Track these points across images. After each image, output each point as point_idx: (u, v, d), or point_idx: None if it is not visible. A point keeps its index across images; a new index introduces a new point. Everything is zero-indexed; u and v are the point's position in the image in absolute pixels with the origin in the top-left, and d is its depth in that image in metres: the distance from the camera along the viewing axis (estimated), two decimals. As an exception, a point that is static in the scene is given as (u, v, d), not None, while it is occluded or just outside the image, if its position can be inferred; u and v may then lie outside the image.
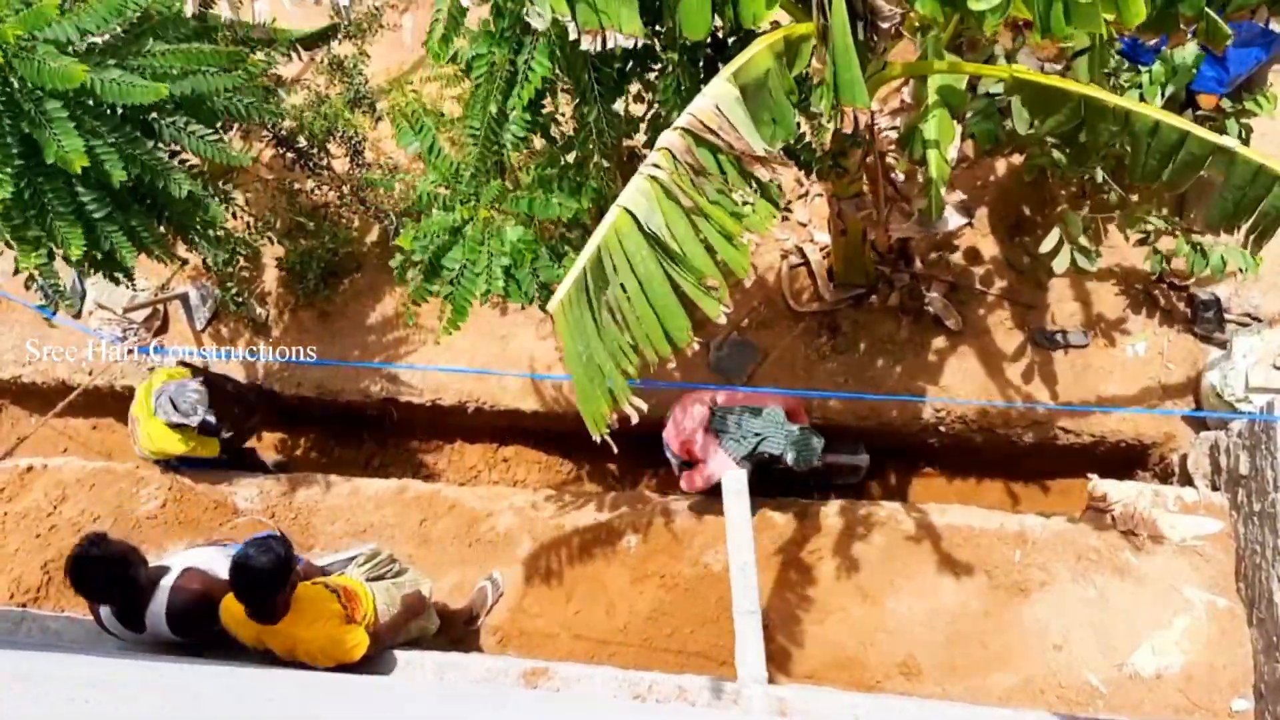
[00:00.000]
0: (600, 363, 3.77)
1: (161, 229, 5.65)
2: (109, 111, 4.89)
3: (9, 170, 4.71)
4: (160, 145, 5.20)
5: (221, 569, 5.08)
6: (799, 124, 4.93)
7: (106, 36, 5.00)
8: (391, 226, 7.39)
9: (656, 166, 3.68)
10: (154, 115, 5.13)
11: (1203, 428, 6.30)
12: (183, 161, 5.50)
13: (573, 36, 3.74)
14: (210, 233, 5.92)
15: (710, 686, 4.51)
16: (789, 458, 5.68)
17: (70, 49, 4.70)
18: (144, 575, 4.70)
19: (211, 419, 6.27)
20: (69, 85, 4.43)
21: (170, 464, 6.73)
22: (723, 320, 3.88)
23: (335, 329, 7.59)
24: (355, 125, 7.37)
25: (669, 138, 3.71)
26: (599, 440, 3.76)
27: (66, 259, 5.20)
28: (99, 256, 5.33)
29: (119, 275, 5.66)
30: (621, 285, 3.74)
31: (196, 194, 5.33)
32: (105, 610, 4.81)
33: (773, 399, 5.95)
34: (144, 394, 6.26)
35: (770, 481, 6.21)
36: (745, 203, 3.94)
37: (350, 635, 4.67)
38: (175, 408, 6.01)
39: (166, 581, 4.74)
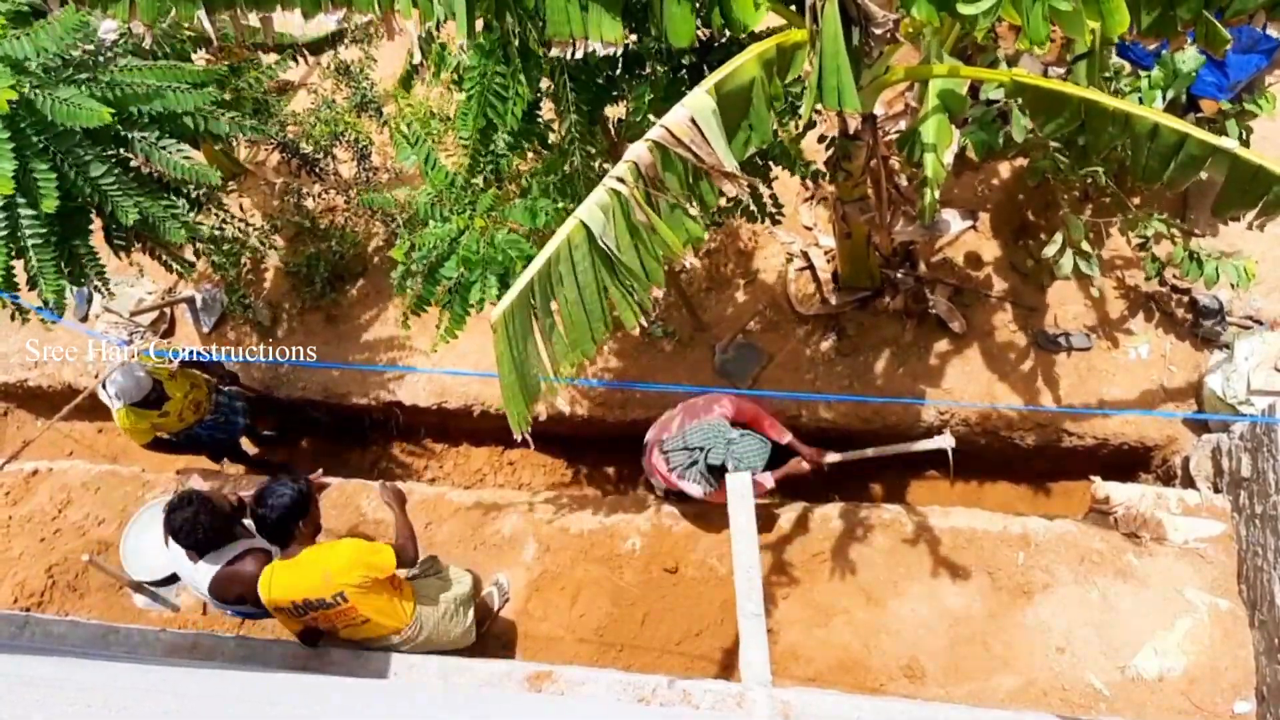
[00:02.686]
0: (533, 367, 3.98)
1: (120, 248, 5.66)
2: (66, 130, 4.89)
3: None
4: (111, 171, 5.16)
5: None
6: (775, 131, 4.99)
7: (81, 51, 5.00)
8: (398, 230, 7.41)
9: (620, 180, 3.71)
10: (125, 130, 5.13)
11: (1205, 430, 6.31)
12: (160, 178, 5.50)
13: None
14: (173, 253, 5.91)
15: (714, 689, 4.52)
16: (730, 464, 5.51)
17: (29, 66, 4.71)
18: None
19: (118, 405, 6.19)
20: None
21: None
22: (636, 331, 3.99)
23: (341, 332, 7.61)
24: (361, 130, 7.39)
25: (637, 150, 3.74)
26: (520, 438, 4.07)
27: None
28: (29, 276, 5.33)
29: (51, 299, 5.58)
30: (564, 292, 3.87)
31: (151, 216, 5.32)
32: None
33: (718, 405, 5.81)
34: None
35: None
36: (691, 218, 3.98)
37: (379, 549, 4.93)
38: (104, 386, 6.10)
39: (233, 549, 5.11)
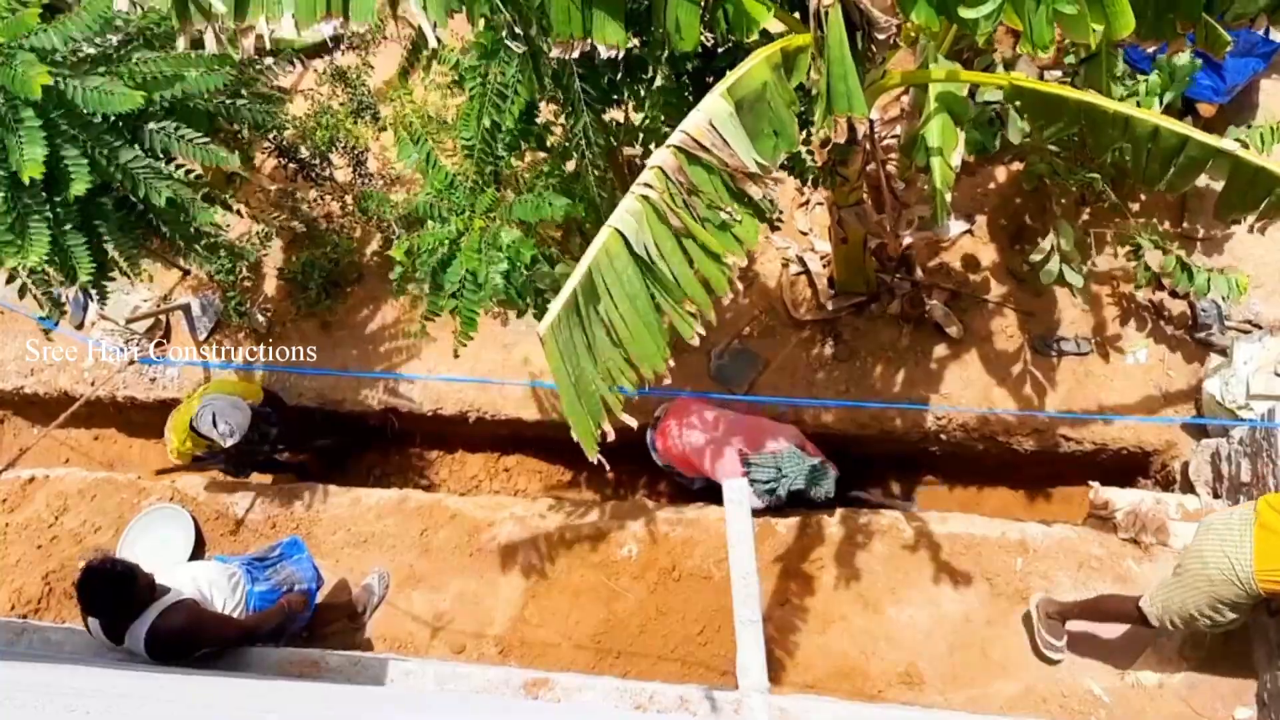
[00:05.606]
0: (590, 380, 3.79)
1: (137, 240, 5.65)
2: (93, 119, 4.91)
3: None
4: (145, 153, 5.20)
5: (219, 597, 5.14)
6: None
7: (97, 44, 5.01)
8: (394, 237, 7.40)
9: (648, 185, 3.68)
10: (144, 121, 5.15)
11: (1204, 435, 6.29)
12: (179, 167, 5.50)
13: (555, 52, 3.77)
14: (201, 241, 5.91)
15: (711, 696, 4.50)
16: (811, 492, 6.02)
17: (56, 57, 4.72)
18: (141, 596, 4.78)
19: (231, 442, 6.11)
20: (29, 94, 4.47)
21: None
22: (695, 342, 3.91)
23: (337, 338, 7.59)
24: (358, 135, 7.38)
25: (661, 156, 3.71)
26: (595, 460, 3.81)
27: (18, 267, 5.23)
28: (61, 265, 5.34)
29: (94, 288, 5.66)
30: (613, 303, 3.75)
31: (181, 199, 5.33)
32: (95, 621, 4.87)
33: (784, 434, 6.18)
34: (196, 398, 6.33)
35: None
36: (735, 220, 3.93)
37: None
38: (215, 423, 5.97)
39: (157, 606, 4.81)
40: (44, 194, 4.99)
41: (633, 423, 3.80)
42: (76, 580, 4.78)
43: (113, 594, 4.72)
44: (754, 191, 3.89)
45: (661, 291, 3.79)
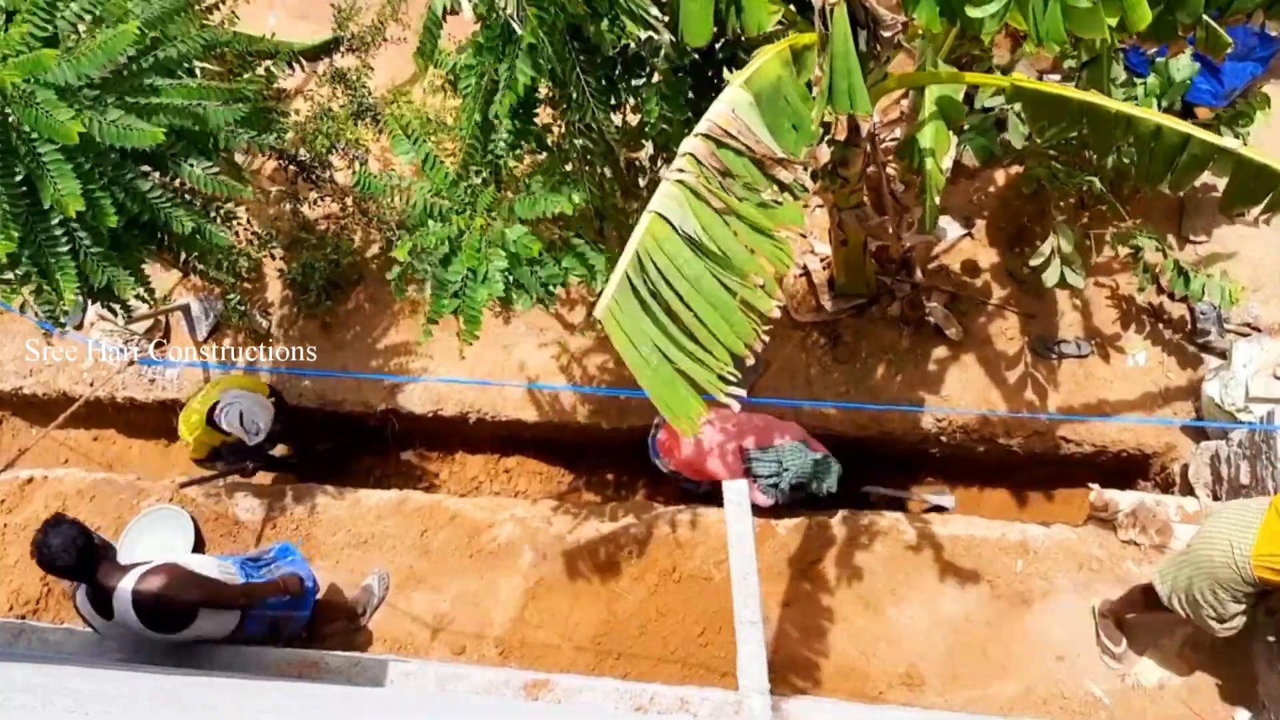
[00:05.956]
0: (677, 362, 3.62)
1: (158, 253, 5.66)
2: (109, 151, 4.88)
3: (12, 217, 4.74)
4: (159, 182, 5.20)
5: (209, 573, 5.15)
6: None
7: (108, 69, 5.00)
8: (394, 238, 7.39)
9: (682, 171, 3.66)
10: (161, 148, 5.14)
11: (1203, 437, 6.30)
12: (181, 185, 5.50)
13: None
14: (215, 258, 5.94)
15: (712, 697, 4.50)
16: (814, 486, 6.13)
17: (70, 90, 4.71)
18: (104, 550, 4.82)
19: (256, 440, 6.22)
20: (66, 140, 4.44)
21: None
22: (777, 314, 3.79)
23: (337, 340, 7.59)
24: (358, 138, 7.38)
25: (691, 143, 3.70)
26: (692, 436, 3.72)
27: (56, 297, 5.21)
28: (96, 289, 5.33)
29: (116, 306, 5.72)
30: (670, 286, 3.64)
31: (202, 227, 5.34)
32: (80, 594, 4.88)
33: (790, 432, 6.26)
34: (213, 389, 6.40)
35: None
36: (774, 201, 3.91)
37: None
38: (240, 421, 6.04)
39: (138, 570, 4.82)
40: (64, 228, 4.97)
41: (741, 393, 3.71)
42: (34, 547, 4.68)
43: (74, 542, 4.66)
44: (784, 176, 3.88)
45: (724, 273, 3.70)
